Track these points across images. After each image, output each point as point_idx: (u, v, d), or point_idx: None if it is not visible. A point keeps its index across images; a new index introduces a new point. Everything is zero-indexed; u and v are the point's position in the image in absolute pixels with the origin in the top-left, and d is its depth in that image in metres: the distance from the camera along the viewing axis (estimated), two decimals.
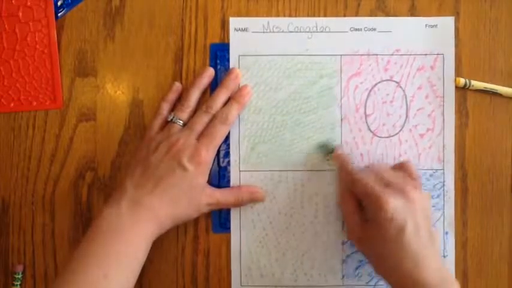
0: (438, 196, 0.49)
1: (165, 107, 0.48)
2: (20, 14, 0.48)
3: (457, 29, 0.49)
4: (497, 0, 0.50)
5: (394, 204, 0.40)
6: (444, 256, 0.49)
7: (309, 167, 0.49)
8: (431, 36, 0.49)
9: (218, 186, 0.49)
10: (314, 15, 0.49)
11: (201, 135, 0.45)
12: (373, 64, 0.49)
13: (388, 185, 0.42)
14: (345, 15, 0.49)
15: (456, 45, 0.49)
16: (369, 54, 0.49)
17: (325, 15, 0.49)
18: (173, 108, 0.48)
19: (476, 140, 0.50)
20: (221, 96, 0.47)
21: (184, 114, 0.47)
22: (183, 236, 0.49)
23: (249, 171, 0.49)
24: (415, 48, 0.49)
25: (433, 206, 0.49)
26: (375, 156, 0.49)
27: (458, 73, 0.49)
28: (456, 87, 0.49)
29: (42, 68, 0.49)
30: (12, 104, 0.49)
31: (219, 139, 0.46)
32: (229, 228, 0.49)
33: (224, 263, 0.49)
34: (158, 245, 0.48)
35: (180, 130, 0.46)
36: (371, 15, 0.49)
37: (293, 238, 0.49)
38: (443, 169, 0.49)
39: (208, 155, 0.45)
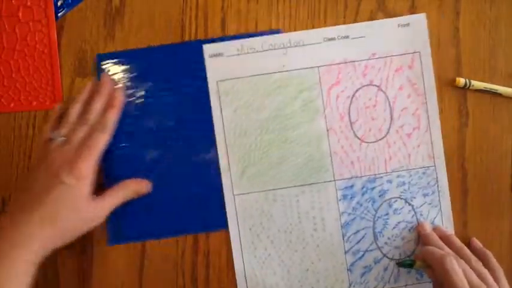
0: (433, 193, 0.49)
1: (48, 128, 0.46)
2: (20, 14, 0.48)
3: (457, 29, 0.49)
4: (497, 0, 0.50)
5: None
6: None
7: (301, 182, 0.49)
8: (405, 35, 0.49)
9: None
10: (314, 16, 0.49)
11: (79, 148, 0.44)
12: (351, 71, 0.49)
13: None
14: (345, 17, 0.49)
15: (456, 45, 0.49)
16: (346, 62, 0.49)
17: (325, 16, 0.49)
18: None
19: (476, 140, 0.50)
20: (96, 104, 0.46)
21: (64, 130, 0.45)
22: (183, 236, 0.49)
23: (243, 194, 0.49)
24: (391, 49, 0.49)
25: (429, 204, 0.49)
26: (366, 162, 0.49)
27: (458, 73, 0.49)
28: (456, 87, 0.49)
29: (42, 68, 0.49)
30: (12, 104, 0.49)
31: (99, 148, 0.45)
32: (131, 238, 0.48)
33: (224, 263, 0.49)
34: (158, 245, 0.48)
35: (60, 145, 0.44)
36: (371, 17, 0.49)
37: (295, 254, 0.49)
38: (434, 165, 0.49)
39: (87, 167, 0.44)
